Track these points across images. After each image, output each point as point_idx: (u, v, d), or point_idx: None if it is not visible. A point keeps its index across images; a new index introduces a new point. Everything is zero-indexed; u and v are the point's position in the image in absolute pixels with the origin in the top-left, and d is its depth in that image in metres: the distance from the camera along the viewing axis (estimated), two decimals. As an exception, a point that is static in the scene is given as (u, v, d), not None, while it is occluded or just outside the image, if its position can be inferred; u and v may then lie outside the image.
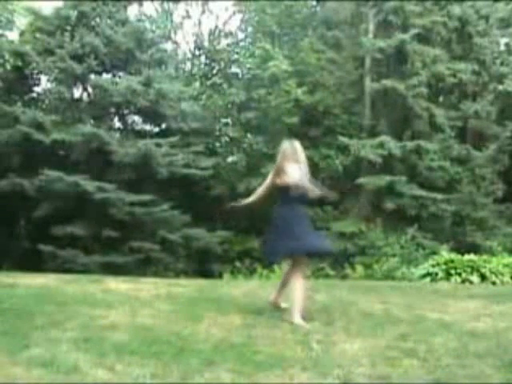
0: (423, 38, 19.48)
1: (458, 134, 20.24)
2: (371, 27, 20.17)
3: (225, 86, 22.25)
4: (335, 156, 19.79)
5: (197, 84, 23.24)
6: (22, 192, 15.95)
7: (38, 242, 15.83)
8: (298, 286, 5.34)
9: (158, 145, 17.05)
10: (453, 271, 10.56)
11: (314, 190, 5.56)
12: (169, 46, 23.77)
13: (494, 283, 10.18)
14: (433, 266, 11.08)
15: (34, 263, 14.85)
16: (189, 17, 25.46)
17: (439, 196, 18.38)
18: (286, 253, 5.46)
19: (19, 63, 17.65)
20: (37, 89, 19.21)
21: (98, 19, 18.25)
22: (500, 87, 19.70)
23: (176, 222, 17.28)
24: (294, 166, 5.48)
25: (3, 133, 16.39)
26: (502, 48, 21.64)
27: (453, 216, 19.03)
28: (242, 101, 20.37)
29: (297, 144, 5.71)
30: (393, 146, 18.26)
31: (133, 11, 22.18)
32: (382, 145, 18.34)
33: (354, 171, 19.61)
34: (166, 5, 25.07)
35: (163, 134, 18.58)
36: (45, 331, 4.48)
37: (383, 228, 17.60)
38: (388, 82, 18.73)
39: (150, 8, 28.68)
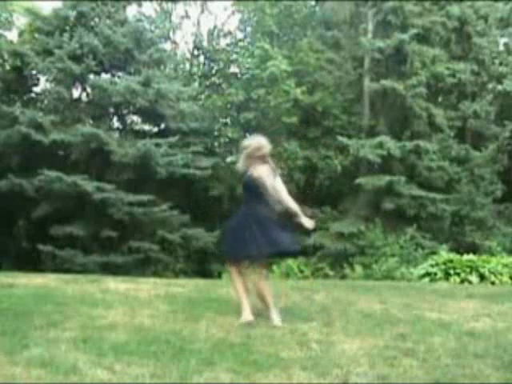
0: (422, 38, 19.48)
1: (457, 134, 20.26)
2: (370, 27, 20.19)
3: (224, 85, 22.26)
4: (334, 156, 19.80)
5: (196, 84, 23.25)
6: (21, 192, 15.96)
7: (37, 242, 15.85)
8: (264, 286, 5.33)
9: (157, 145, 17.05)
10: (452, 271, 10.57)
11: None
12: (168, 45, 23.81)
13: (493, 283, 10.19)
14: (432, 265, 11.09)
15: (32, 263, 14.87)
16: (188, 17, 25.49)
17: (438, 196, 18.40)
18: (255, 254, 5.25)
19: (18, 63, 17.70)
20: (36, 89, 19.23)
21: (96, 19, 18.25)
22: (499, 87, 19.71)
23: (175, 221, 17.29)
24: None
25: (2, 133, 16.40)
26: (501, 48, 21.66)
27: (452, 216, 19.03)
28: (241, 101, 20.37)
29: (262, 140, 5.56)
30: (392, 146, 18.27)
31: (132, 11, 22.22)
32: (381, 145, 18.34)
33: (353, 171, 19.63)
34: (164, 5, 25.08)
35: (162, 134, 18.59)
36: (44, 331, 4.48)
37: (382, 228, 17.60)
38: (387, 82, 18.74)
39: (148, 8, 28.69)
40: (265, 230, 5.20)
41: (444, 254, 12.19)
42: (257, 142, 5.54)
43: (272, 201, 5.31)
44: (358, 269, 15.84)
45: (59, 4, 18.76)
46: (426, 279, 10.74)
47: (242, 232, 5.29)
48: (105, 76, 18.45)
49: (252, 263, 5.36)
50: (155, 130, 19.56)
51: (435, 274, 10.72)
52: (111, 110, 18.71)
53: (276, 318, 5.19)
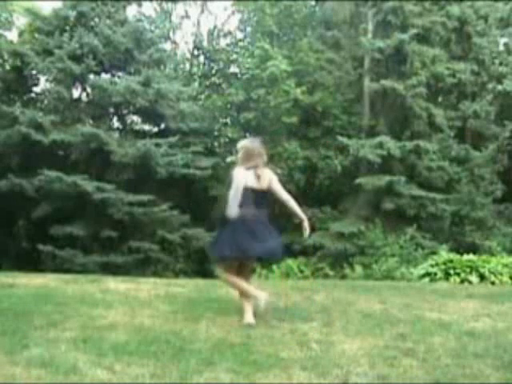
0: (422, 38, 19.47)
1: (457, 134, 20.25)
2: (370, 27, 20.19)
3: (224, 86, 22.28)
4: (334, 156, 19.80)
5: (196, 84, 23.26)
6: (21, 192, 15.96)
7: (37, 242, 15.84)
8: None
9: (157, 145, 17.06)
10: (452, 271, 10.55)
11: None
12: (168, 45, 23.84)
13: (493, 283, 10.17)
14: (432, 265, 11.07)
15: (33, 263, 14.87)
16: (188, 17, 25.52)
17: (438, 196, 18.39)
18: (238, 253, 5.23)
19: (18, 63, 17.71)
20: (36, 89, 19.24)
21: (96, 19, 18.26)
22: (499, 87, 19.69)
23: (175, 221, 17.29)
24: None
25: (2, 133, 16.41)
26: (501, 48, 21.64)
27: (452, 216, 19.03)
28: (241, 101, 20.38)
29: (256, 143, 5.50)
30: (392, 146, 18.26)
31: (132, 11, 22.26)
32: (381, 145, 18.33)
33: (353, 171, 19.62)
34: (164, 5, 25.10)
35: (162, 134, 18.59)
36: (44, 331, 4.48)
37: (382, 228, 17.59)
38: (387, 82, 18.74)
39: (148, 8, 28.73)
40: (245, 232, 5.18)
41: (444, 254, 12.16)
42: (250, 146, 5.44)
43: (234, 203, 5.31)
44: (358, 269, 15.83)
45: (59, 4, 18.78)
46: (426, 279, 10.72)
47: (221, 232, 5.41)
48: (105, 76, 18.45)
49: (230, 263, 5.32)
50: (155, 130, 19.57)
51: (435, 274, 10.70)
52: (111, 109, 18.71)
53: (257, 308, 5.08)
